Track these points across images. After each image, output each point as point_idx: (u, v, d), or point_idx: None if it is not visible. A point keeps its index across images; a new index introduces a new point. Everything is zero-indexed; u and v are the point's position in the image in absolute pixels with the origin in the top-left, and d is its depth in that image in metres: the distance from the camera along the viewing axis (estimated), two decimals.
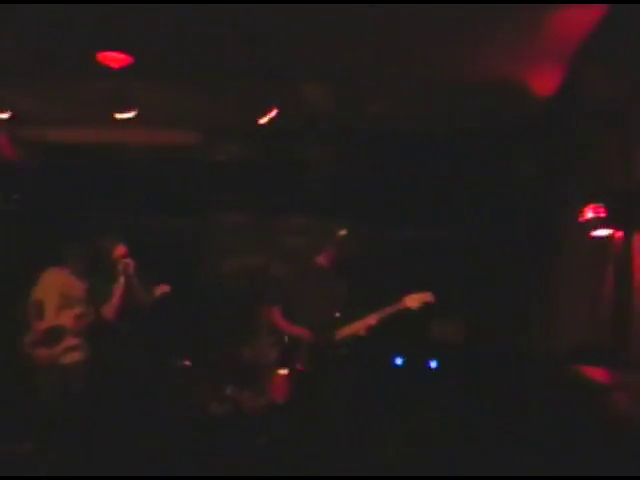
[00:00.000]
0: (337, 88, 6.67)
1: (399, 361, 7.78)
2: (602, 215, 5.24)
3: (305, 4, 4.97)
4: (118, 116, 6.83)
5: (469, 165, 7.71)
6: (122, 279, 6.43)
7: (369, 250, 6.42)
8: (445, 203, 7.88)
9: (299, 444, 6.07)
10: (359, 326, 5.79)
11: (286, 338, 6.09)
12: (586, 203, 5.36)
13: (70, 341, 6.60)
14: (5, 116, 6.95)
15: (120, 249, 6.52)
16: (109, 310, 6.46)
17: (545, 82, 6.24)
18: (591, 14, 5.01)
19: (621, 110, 5.33)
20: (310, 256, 6.21)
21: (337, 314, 5.90)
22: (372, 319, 5.74)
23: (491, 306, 7.66)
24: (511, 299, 7.62)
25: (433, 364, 7.76)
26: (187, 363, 7.58)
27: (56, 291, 6.74)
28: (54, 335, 6.61)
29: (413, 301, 5.65)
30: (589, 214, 5.32)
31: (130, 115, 6.81)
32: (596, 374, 4.69)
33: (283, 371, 6.87)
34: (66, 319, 6.63)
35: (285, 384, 6.79)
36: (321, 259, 6.14)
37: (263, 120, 6.65)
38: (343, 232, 6.00)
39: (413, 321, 5.79)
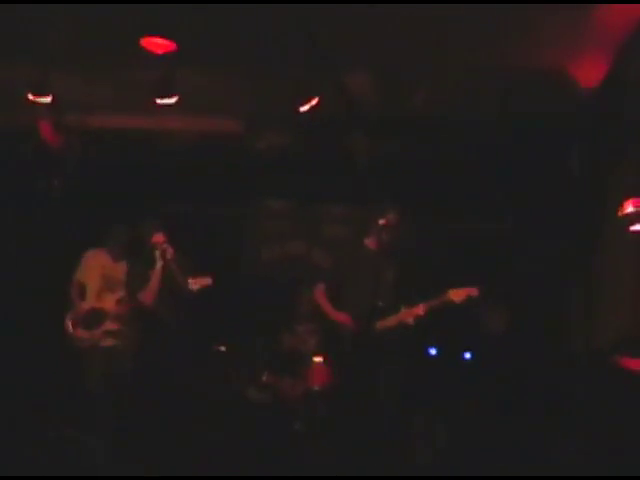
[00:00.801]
0: (382, 75, 6.65)
1: (433, 351, 7.76)
2: None
3: None
4: (159, 102, 6.85)
5: (514, 155, 7.65)
6: (159, 265, 6.44)
7: (414, 239, 6.41)
8: (490, 194, 7.83)
9: (336, 432, 6.13)
10: (405, 316, 5.79)
11: (326, 325, 6.12)
12: (627, 197, 5.32)
13: (110, 325, 6.70)
14: (47, 100, 7.00)
15: (158, 235, 6.50)
16: (146, 295, 6.49)
17: (591, 73, 6.19)
18: (638, 8, 4.96)
19: None
20: (359, 239, 6.18)
21: (381, 302, 5.90)
22: (420, 309, 5.72)
23: (534, 299, 7.61)
24: (553, 292, 7.56)
25: (467, 355, 7.73)
26: (225, 349, 7.63)
27: (98, 273, 6.84)
28: (95, 318, 6.70)
29: (458, 295, 5.63)
30: (629, 208, 5.27)
31: (171, 101, 6.84)
32: (636, 365, 4.66)
33: (321, 358, 6.93)
34: (108, 303, 6.72)
35: (323, 371, 6.85)
36: (370, 242, 6.11)
37: (304, 108, 6.64)
38: (393, 217, 5.97)
39: (455, 312, 5.77)
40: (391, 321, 5.84)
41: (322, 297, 6.09)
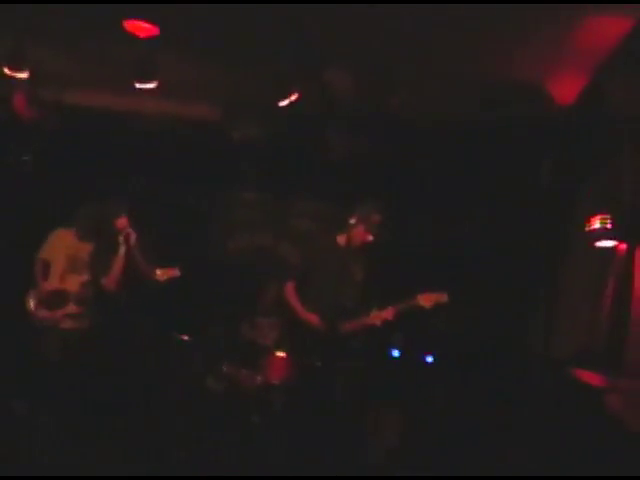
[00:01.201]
0: (362, 72, 6.66)
1: (396, 353, 7.82)
2: (608, 226, 5.28)
3: None
4: (138, 85, 6.81)
5: (483, 163, 7.73)
6: (122, 250, 6.42)
7: (385, 239, 6.45)
8: (456, 200, 7.90)
9: (293, 426, 6.16)
10: (373, 319, 5.81)
11: (290, 321, 6.14)
12: (594, 213, 5.40)
13: (72, 308, 6.64)
14: (24, 75, 6.92)
15: (122, 219, 6.48)
16: (109, 280, 6.46)
17: (567, 89, 6.29)
18: (618, 26, 5.04)
19: (637, 124, 5.36)
20: (328, 235, 6.19)
21: (349, 302, 5.91)
22: (389, 313, 5.76)
23: (494, 305, 7.71)
24: (514, 299, 7.67)
25: (429, 358, 7.80)
26: (185, 337, 7.61)
27: (63, 253, 6.77)
28: (58, 299, 6.64)
29: (427, 300, 5.69)
30: (596, 224, 5.35)
31: (151, 86, 6.81)
32: (591, 378, 4.76)
33: (281, 353, 6.94)
34: (71, 284, 6.66)
35: (282, 366, 6.87)
36: (341, 239, 6.12)
37: (284, 102, 6.65)
38: (365, 216, 5.98)
39: (414, 315, 5.82)
40: (358, 323, 5.87)
41: (292, 294, 6.10)
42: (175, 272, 6.45)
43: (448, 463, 6.05)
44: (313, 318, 5.95)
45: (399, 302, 5.75)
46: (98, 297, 6.54)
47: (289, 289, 6.13)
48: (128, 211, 6.54)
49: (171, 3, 5.43)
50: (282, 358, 6.98)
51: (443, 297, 5.71)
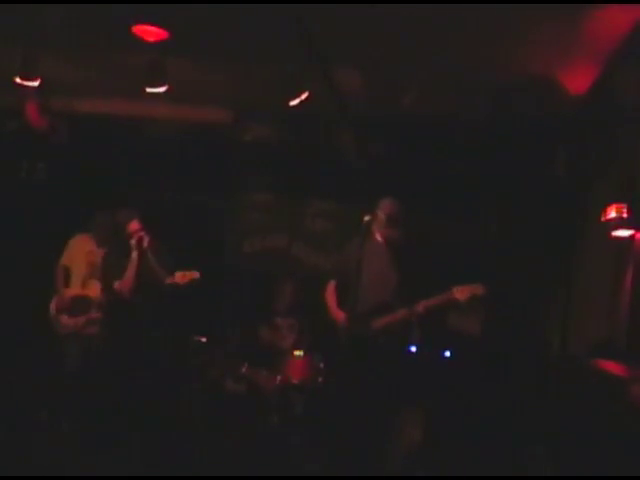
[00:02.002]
0: (373, 73, 6.67)
1: (413, 348, 7.80)
2: (624, 215, 5.25)
3: None
4: (149, 90, 6.82)
5: (500, 158, 7.71)
6: (135, 255, 6.36)
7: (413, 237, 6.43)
8: (472, 196, 7.87)
9: (313, 427, 6.15)
10: (405, 314, 5.74)
11: (308, 320, 6.14)
12: (610, 203, 5.38)
13: (95, 314, 6.66)
14: (35, 84, 6.95)
15: (134, 223, 6.43)
16: (122, 285, 6.41)
17: (579, 81, 6.25)
18: (628, 16, 5.01)
19: None
20: (369, 232, 6.09)
21: (382, 299, 5.86)
22: (420, 307, 5.65)
23: (512, 300, 7.68)
24: (531, 294, 7.64)
25: (447, 353, 7.78)
26: (204, 339, 7.62)
27: (83, 259, 6.82)
28: (80, 305, 6.67)
29: (462, 293, 5.55)
30: (612, 214, 5.32)
31: (161, 90, 6.81)
32: (612, 368, 4.73)
33: (301, 353, 6.95)
34: (93, 290, 6.69)
35: (302, 366, 6.88)
36: (377, 237, 6.06)
37: (294, 102, 6.64)
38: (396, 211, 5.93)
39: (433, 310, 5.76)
40: (389, 318, 5.81)
41: (331, 293, 6.11)
42: (195, 275, 6.42)
43: (467, 460, 6.03)
44: (341, 316, 5.91)
45: (432, 296, 5.64)
46: (117, 302, 6.53)
47: (330, 288, 6.11)
48: (141, 215, 6.51)
49: (179, 3, 5.41)
50: (301, 359, 7.00)
51: (479, 289, 5.56)
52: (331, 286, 6.13)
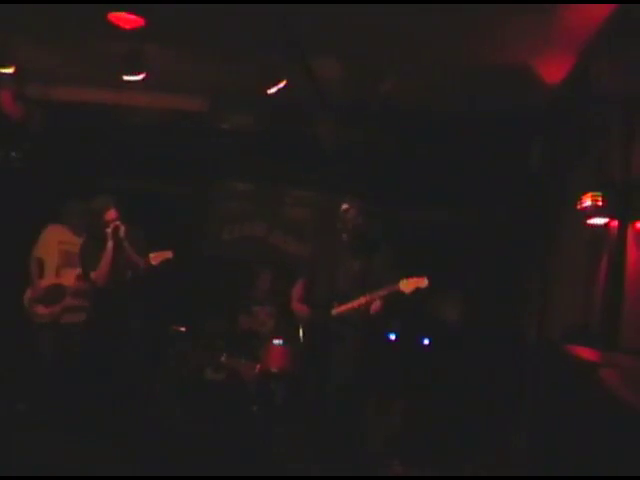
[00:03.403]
0: (351, 62, 6.67)
1: (392, 336, 7.86)
2: (599, 204, 5.30)
3: None
4: (126, 78, 6.79)
5: (472, 148, 7.75)
6: (110, 243, 6.23)
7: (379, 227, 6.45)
8: (447, 185, 7.92)
9: (293, 413, 6.18)
10: (356, 304, 5.79)
11: (284, 309, 6.16)
12: (585, 191, 5.43)
13: (70, 301, 6.64)
14: (10, 71, 6.89)
15: (110, 212, 6.31)
16: (99, 274, 6.30)
17: (553, 71, 6.27)
18: (603, 6, 5.05)
19: (624, 102, 5.39)
20: (327, 225, 6.15)
21: (341, 289, 5.89)
22: (364, 300, 5.75)
23: (488, 287, 7.76)
24: (508, 281, 7.71)
25: (426, 341, 7.85)
26: (183, 329, 7.63)
27: (56, 248, 6.79)
28: (54, 294, 6.64)
29: (407, 286, 5.65)
30: (587, 202, 5.37)
31: (138, 78, 6.78)
32: (585, 353, 4.79)
33: (280, 341, 6.99)
34: (67, 278, 6.67)
35: (281, 354, 6.91)
36: (335, 227, 6.08)
37: (272, 90, 6.63)
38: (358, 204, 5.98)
39: (411, 299, 5.81)
40: (346, 307, 5.86)
41: (298, 288, 6.13)
42: (168, 254, 6.32)
43: (447, 447, 6.09)
44: (303, 309, 5.98)
45: (381, 289, 5.73)
46: (95, 291, 6.50)
47: (299, 285, 6.14)
48: (118, 204, 6.41)
49: None
50: (280, 347, 7.03)
51: (422, 282, 5.66)
52: (300, 284, 6.15)
